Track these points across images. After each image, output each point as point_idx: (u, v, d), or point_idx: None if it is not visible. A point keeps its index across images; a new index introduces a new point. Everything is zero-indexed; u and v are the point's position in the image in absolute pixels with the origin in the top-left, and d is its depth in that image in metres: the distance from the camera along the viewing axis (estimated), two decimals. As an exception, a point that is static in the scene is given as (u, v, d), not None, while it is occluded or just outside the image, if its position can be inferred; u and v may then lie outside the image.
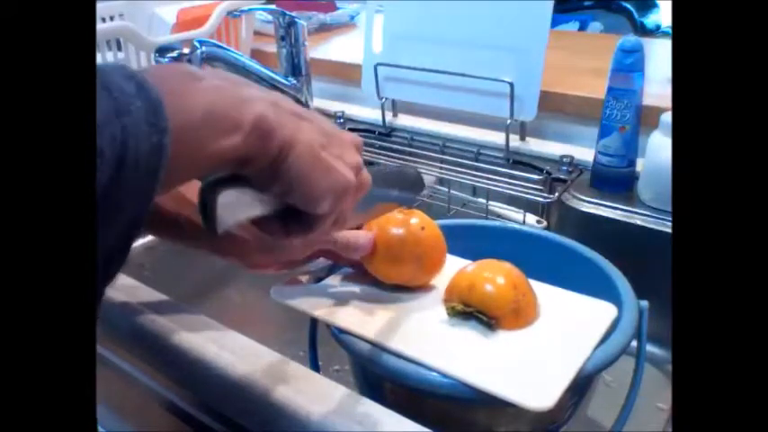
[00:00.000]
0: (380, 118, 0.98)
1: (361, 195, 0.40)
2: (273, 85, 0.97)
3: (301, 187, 0.35)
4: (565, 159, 0.81)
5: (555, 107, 0.87)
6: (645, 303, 0.51)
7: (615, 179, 0.77)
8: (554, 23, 0.82)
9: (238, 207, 0.34)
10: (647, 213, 0.72)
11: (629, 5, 2.28)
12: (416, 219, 0.53)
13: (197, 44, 0.80)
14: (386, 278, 0.54)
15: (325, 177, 0.35)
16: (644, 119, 0.75)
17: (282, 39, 0.98)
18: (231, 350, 0.49)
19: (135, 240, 0.28)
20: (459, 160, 0.87)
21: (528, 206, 0.80)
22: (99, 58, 0.93)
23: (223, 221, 0.34)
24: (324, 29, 1.30)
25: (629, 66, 0.72)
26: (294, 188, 0.35)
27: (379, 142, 0.95)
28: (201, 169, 0.32)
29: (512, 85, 0.81)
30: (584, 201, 0.77)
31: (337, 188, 0.36)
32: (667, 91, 0.82)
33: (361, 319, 0.50)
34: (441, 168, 0.87)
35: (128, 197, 0.26)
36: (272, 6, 1.00)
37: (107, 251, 0.27)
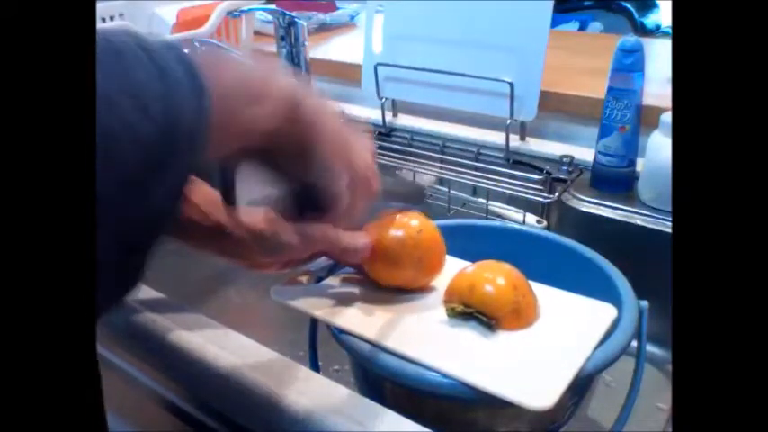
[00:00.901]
0: (380, 118, 0.98)
1: (374, 188, 0.41)
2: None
3: (324, 172, 0.35)
4: (565, 159, 0.81)
5: (555, 107, 0.87)
6: (645, 303, 0.51)
7: (615, 179, 0.77)
8: (554, 23, 0.82)
9: (256, 183, 0.36)
10: (647, 213, 0.72)
11: (629, 5, 2.27)
12: (415, 221, 0.53)
13: (197, 44, 0.80)
14: (385, 281, 0.54)
15: (346, 154, 0.36)
16: (644, 119, 0.75)
17: (282, 39, 0.97)
18: (231, 350, 0.49)
19: (179, 207, 0.29)
20: (459, 160, 0.87)
21: (528, 206, 0.80)
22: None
23: (241, 195, 0.35)
24: (324, 29, 1.30)
25: (629, 66, 0.72)
26: (317, 173, 0.35)
27: (379, 142, 0.95)
28: (236, 139, 0.32)
29: (512, 85, 0.81)
30: (584, 201, 0.77)
31: (358, 178, 0.37)
32: (667, 91, 0.82)
33: (362, 320, 0.50)
34: (441, 168, 0.87)
35: (173, 156, 0.27)
36: (272, 6, 1.00)
37: (156, 211, 0.27)
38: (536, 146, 0.87)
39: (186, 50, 0.29)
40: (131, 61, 0.27)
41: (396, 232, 0.52)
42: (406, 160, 0.90)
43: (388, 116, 0.99)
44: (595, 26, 2.21)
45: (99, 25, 0.97)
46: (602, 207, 0.75)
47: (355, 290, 0.55)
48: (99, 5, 1.08)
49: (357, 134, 0.39)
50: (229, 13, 1.03)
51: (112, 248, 0.27)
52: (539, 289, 0.52)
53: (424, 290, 0.55)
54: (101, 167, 0.25)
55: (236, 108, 0.31)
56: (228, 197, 0.35)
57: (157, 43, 0.28)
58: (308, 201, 0.38)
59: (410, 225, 0.53)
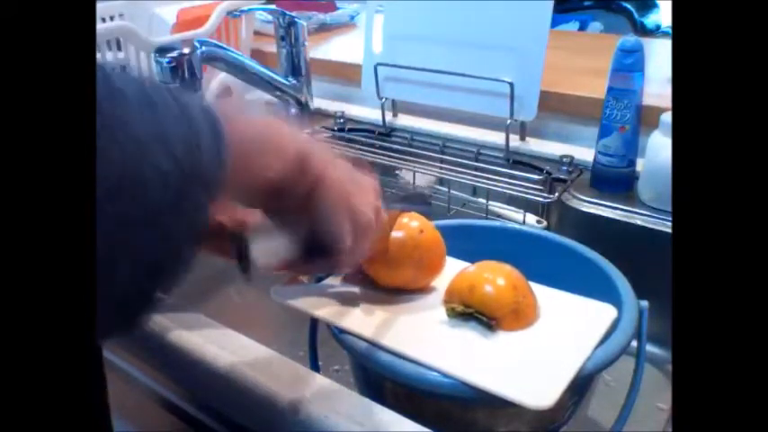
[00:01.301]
0: (380, 118, 0.98)
1: (376, 233, 0.43)
2: (273, 86, 0.96)
3: (328, 220, 0.38)
4: (565, 159, 0.81)
5: (555, 107, 0.87)
6: (645, 303, 0.51)
7: (615, 179, 0.77)
8: (554, 23, 0.82)
9: (269, 251, 0.39)
10: (647, 213, 0.72)
11: (629, 5, 2.27)
12: (415, 222, 0.53)
13: (197, 44, 0.80)
14: (385, 282, 0.54)
15: (351, 213, 0.39)
16: (644, 119, 0.75)
17: (282, 39, 0.97)
18: (231, 350, 0.49)
19: (197, 247, 0.30)
20: (459, 160, 0.87)
21: (528, 206, 0.80)
22: (99, 59, 0.93)
23: (257, 266, 0.38)
24: (324, 29, 1.30)
25: (629, 66, 0.72)
26: (322, 221, 0.38)
27: (379, 142, 0.95)
28: (249, 192, 0.35)
29: (512, 85, 0.81)
30: (584, 201, 0.77)
31: (360, 225, 0.40)
32: (667, 91, 0.82)
33: (362, 319, 0.50)
34: (441, 168, 0.87)
35: (195, 201, 0.29)
36: (272, 6, 1.00)
37: (176, 250, 0.29)
38: (536, 146, 0.87)
39: (208, 101, 0.32)
40: (163, 110, 0.28)
41: (396, 233, 0.52)
42: (406, 160, 0.90)
43: (388, 116, 0.99)
44: (595, 26, 2.21)
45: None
46: (602, 207, 0.75)
47: (355, 290, 0.55)
48: (99, 5, 1.08)
49: (362, 184, 0.41)
50: (229, 13, 1.03)
51: (131, 286, 0.28)
52: (539, 290, 0.53)
53: (424, 290, 0.55)
54: (130, 208, 0.26)
55: (252, 161, 0.33)
56: (244, 267, 0.38)
57: (184, 92, 0.31)
58: (314, 248, 0.41)
59: (410, 226, 0.53)
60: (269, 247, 0.38)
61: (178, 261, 0.29)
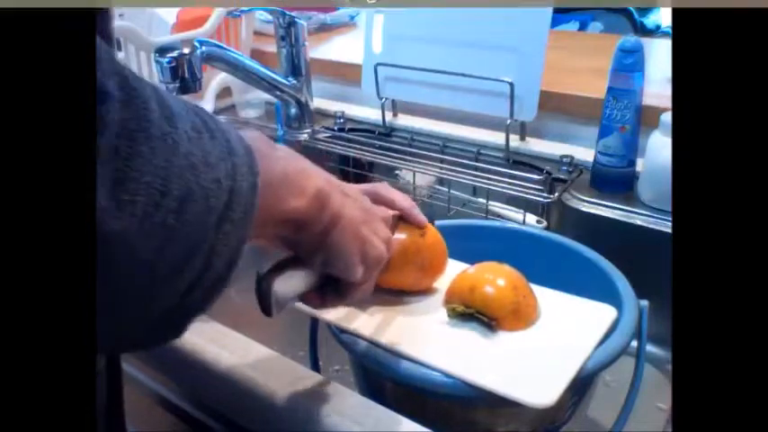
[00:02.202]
0: (380, 118, 0.98)
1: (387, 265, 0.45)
2: (273, 86, 0.96)
3: (342, 256, 0.39)
4: (565, 159, 0.81)
5: (555, 107, 0.87)
6: (645, 303, 0.51)
7: (615, 179, 0.77)
8: (554, 23, 0.82)
9: (289, 290, 0.40)
10: (647, 213, 0.72)
11: (629, 5, 2.27)
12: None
13: (197, 44, 0.80)
14: (388, 284, 0.54)
15: (363, 249, 0.40)
16: (644, 119, 0.75)
17: (282, 39, 0.97)
18: (231, 350, 0.49)
19: (232, 272, 0.31)
20: (459, 160, 0.87)
21: (528, 206, 0.80)
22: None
23: (278, 305, 0.40)
24: (324, 29, 1.30)
25: (629, 66, 0.72)
26: (336, 256, 0.39)
27: (379, 142, 0.95)
28: (272, 224, 0.36)
29: (512, 85, 0.81)
30: (584, 201, 0.77)
31: (372, 259, 0.41)
32: (667, 91, 0.82)
33: (363, 320, 0.50)
34: (441, 168, 0.87)
35: (233, 227, 0.29)
36: (273, 6, 1.00)
37: (214, 278, 0.29)
38: (536, 146, 0.87)
39: (239, 132, 0.32)
40: (207, 134, 0.29)
41: (398, 236, 0.52)
42: (406, 160, 0.90)
43: (388, 116, 0.99)
44: (595, 26, 2.21)
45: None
46: (602, 207, 0.75)
47: (355, 290, 0.55)
48: (99, 5, 1.07)
49: (375, 216, 0.43)
50: (229, 13, 1.03)
51: (172, 301, 0.28)
52: (539, 291, 0.53)
53: (425, 291, 0.55)
54: (177, 226, 0.26)
55: (277, 196, 0.35)
56: (266, 308, 0.40)
57: (224, 123, 0.31)
58: (326, 282, 0.42)
59: (413, 228, 0.53)
60: (286, 280, 0.40)
61: (218, 283, 0.30)
